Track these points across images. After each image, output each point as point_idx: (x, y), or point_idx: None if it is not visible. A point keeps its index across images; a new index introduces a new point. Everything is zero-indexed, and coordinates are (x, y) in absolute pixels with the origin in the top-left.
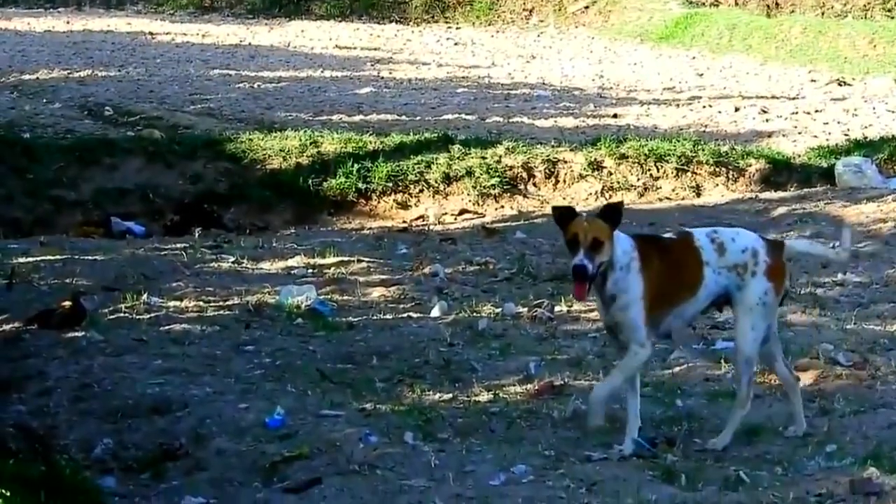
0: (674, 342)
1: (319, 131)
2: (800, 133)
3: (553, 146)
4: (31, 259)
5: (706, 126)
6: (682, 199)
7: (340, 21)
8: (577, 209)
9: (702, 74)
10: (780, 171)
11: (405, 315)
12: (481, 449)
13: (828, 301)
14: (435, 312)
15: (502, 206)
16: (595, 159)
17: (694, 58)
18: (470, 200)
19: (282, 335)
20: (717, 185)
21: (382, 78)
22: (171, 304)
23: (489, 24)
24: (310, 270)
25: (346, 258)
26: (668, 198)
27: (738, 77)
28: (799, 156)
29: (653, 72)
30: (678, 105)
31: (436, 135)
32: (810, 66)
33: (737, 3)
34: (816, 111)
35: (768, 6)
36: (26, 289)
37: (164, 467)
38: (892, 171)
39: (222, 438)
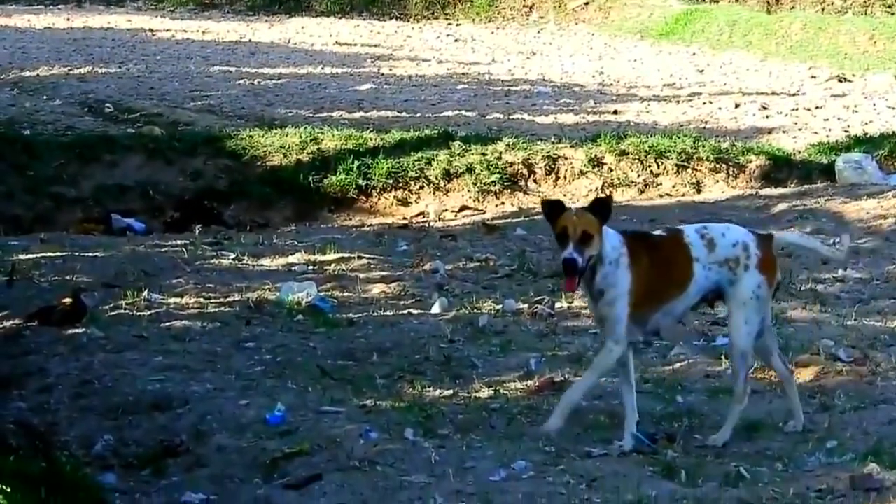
0: (666, 339)
1: (320, 128)
2: (800, 129)
3: (553, 143)
4: (31, 256)
5: (706, 122)
6: (683, 195)
7: (341, 17)
8: (572, 205)
9: (702, 71)
10: (780, 168)
11: (405, 311)
12: (482, 445)
13: (828, 297)
14: (435, 309)
15: (503, 203)
16: (595, 156)
17: (694, 54)
18: (470, 197)
19: (282, 332)
20: (718, 181)
21: (383, 74)
22: (172, 300)
23: (489, 21)
24: (310, 267)
25: (346, 255)
26: (668, 194)
27: (738, 73)
28: (799, 152)
29: (653, 68)
30: (678, 101)
31: (436, 131)
32: (810, 63)
33: (737, 0)
34: (817, 107)
35: (768, 2)
36: (27, 285)
37: (165, 464)
38: (893, 167)
39: (223, 435)
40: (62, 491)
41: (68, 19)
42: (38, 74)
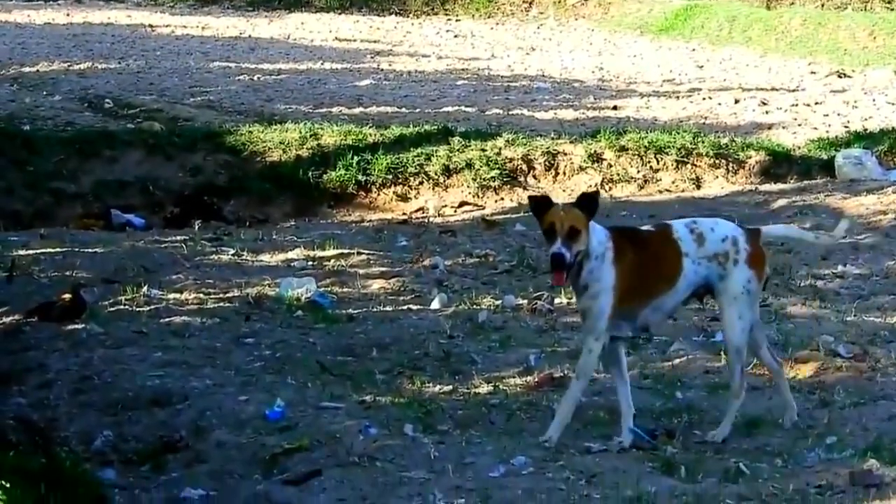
0: (655, 333)
1: (319, 123)
2: (800, 125)
3: (553, 138)
4: (31, 251)
5: (706, 118)
6: (682, 191)
7: (340, 13)
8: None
9: (702, 66)
10: (779, 163)
11: (405, 307)
12: (481, 441)
13: (828, 293)
14: (435, 305)
15: (502, 199)
16: (595, 151)
17: (694, 50)
18: (470, 193)
19: (282, 327)
20: (717, 177)
21: (382, 70)
22: (171, 296)
23: (489, 17)
24: (310, 263)
25: (345, 250)
26: (668, 190)
27: (737, 69)
28: (799, 148)
29: (652, 64)
30: (678, 97)
31: (436, 127)
32: (810, 58)
33: None
34: (816, 103)
35: None
36: (26, 281)
37: (164, 459)
38: (893, 162)
39: (222, 430)
40: (62, 487)
41: (68, 14)
42: (37, 70)
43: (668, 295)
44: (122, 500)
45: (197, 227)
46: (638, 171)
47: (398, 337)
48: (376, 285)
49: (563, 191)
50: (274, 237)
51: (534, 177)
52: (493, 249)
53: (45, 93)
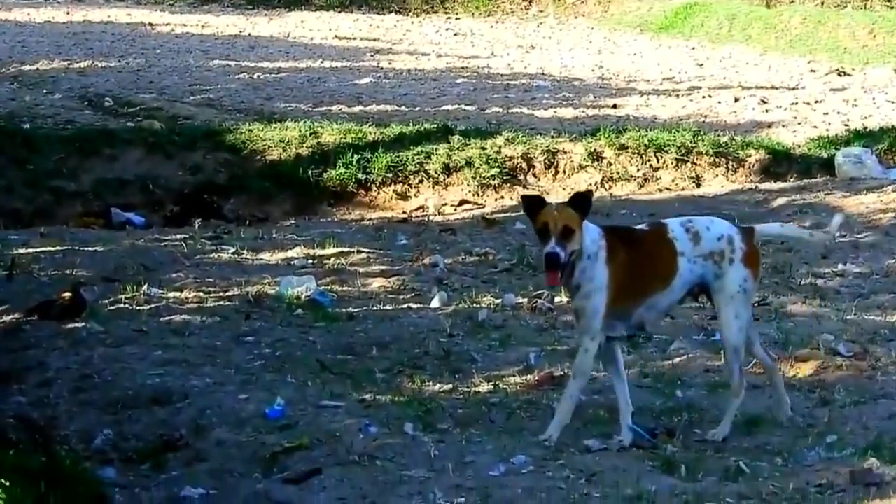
0: (649, 331)
1: (319, 122)
2: (799, 123)
3: (553, 136)
4: (31, 250)
5: (706, 116)
6: (682, 189)
7: (340, 11)
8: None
9: (701, 65)
10: (779, 162)
11: (405, 306)
12: (481, 440)
13: (828, 292)
14: (435, 303)
15: (502, 197)
16: (595, 150)
17: (693, 48)
18: (470, 191)
19: (282, 326)
20: (717, 175)
21: (382, 68)
22: (171, 294)
23: (488, 15)
24: (310, 261)
25: (345, 249)
26: (667, 188)
27: (737, 67)
28: (799, 146)
29: (652, 62)
30: (678, 95)
31: (435, 125)
32: (810, 57)
33: None
34: (816, 101)
35: None
36: (26, 280)
37: (165, 458)
38: (892, 161)
39: (222, 429)
40: (62, 485)
41: (68, 13)
42: (37, 68)
43: (662, 294)
44: (122, 498)
45: (197, 225)
46: (638, 170)
47: (398, 335)
48: (376, 284)
49: (563, 189)
50: (274, 236)
51: (534, 175)
52: (492, 248)
53: (45, 91)
